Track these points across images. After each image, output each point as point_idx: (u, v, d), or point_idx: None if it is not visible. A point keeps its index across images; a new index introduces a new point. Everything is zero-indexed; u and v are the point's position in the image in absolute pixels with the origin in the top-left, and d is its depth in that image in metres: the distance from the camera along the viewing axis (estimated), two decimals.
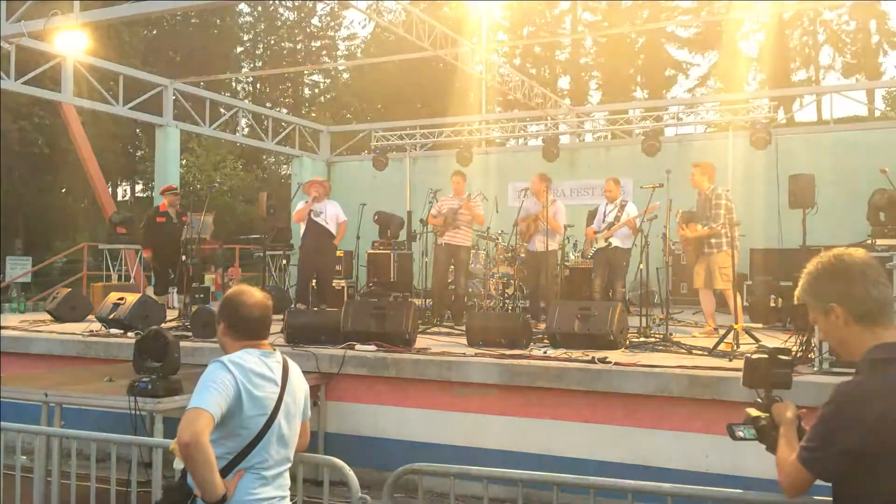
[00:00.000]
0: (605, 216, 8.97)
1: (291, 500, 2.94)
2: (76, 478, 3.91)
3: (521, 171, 13.95)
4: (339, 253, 12.52)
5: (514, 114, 20.39)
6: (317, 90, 42.69)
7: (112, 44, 26.38)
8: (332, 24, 41.82)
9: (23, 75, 12.09)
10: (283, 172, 34.09)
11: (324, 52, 41.59)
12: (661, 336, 7.32)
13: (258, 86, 41.04)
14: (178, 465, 2.77)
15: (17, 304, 12.65)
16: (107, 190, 16.05)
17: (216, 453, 2.61)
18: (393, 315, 6.98)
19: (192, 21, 36.91)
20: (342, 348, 6.75)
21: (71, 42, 10.96)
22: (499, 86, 13.81)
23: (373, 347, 6.74)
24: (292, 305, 9.76)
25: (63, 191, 31.15)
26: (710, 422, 5.23)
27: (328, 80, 41.50)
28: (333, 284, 11.06)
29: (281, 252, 13.56)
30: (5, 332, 8.11)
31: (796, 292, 2.27)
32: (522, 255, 9.88)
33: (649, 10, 32.86)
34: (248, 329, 2.85)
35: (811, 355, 5.53)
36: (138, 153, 32.97)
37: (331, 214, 9.44)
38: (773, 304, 9.15)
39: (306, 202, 9.46)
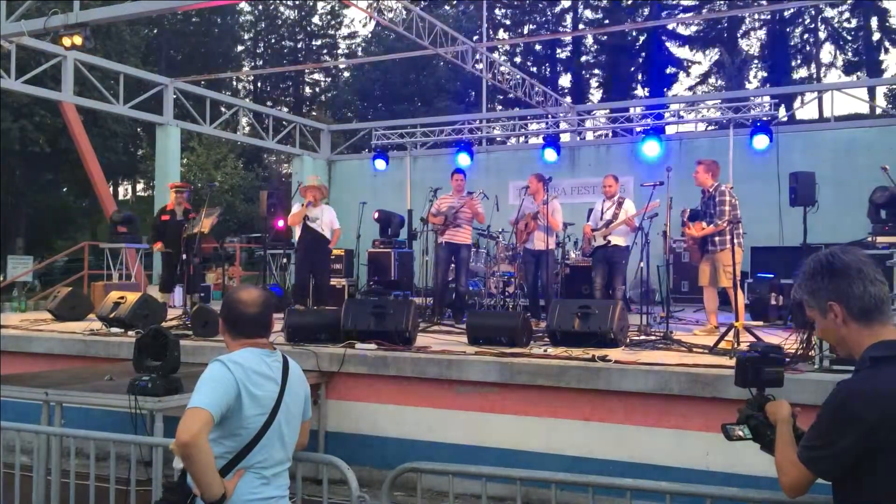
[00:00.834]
0: (602, 213, 8.95)
1: (291, 498, 2.94)
2: (76, 476, 3.91)
3: (521, 170, 13.95)
4: (338, 251, 12.54)
5: (514, 112, 20.40)
6: (317, 89, 42.74)
7: (113, 43, 26.42)
8: (333, 22, 41.88)
9: (23, 74, 12.10)
10: (284, 171, 34.12)
11: (324, 51, 41.66)
12: (662, 334, 7.31)
13: (259, 84, 41.09)
14: (178, 464, 2.77)
15: (18, 303, 12.67)
16: (107, 189, 16.05)
17: (216, 453, 2.61)
18: (393, 314, 6.98)
19: (193, 20, 36.95)
20: (342, 347, 6.75)
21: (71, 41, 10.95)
22: (499, 84, 13.80)
23: (373, 346, 6.74)
24: (293, 305, 9.78)
25: (64, 190, 31.19)
26: (710, 420, 5.22)
27: (329, 79, 41.55)
28: (333, 283, 11.07)
29: (281, 251, 13.57)
30: (6, 332, 8.11)
31: (792, 291, 2.27)
32: (520, 253, 9.88)
33: (650, 7, 32.85)
34: (246, 327, 2.84)
35: (812, 353, 5.53)
36: (139, 152, 32.99)
37: (326, 220, 9.47)
38: (773, 302, 9.15)
39: (302, 206, 9.47)
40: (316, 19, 41.76)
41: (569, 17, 36.73)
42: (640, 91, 35.21)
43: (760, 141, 12.83)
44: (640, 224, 8.45)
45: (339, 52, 41.83)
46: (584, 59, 37.05)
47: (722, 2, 33.29)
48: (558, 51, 37.09)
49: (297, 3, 40.55)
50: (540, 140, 15.57)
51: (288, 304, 9.64)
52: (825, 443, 2.05)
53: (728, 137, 13.64)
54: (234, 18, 39.17)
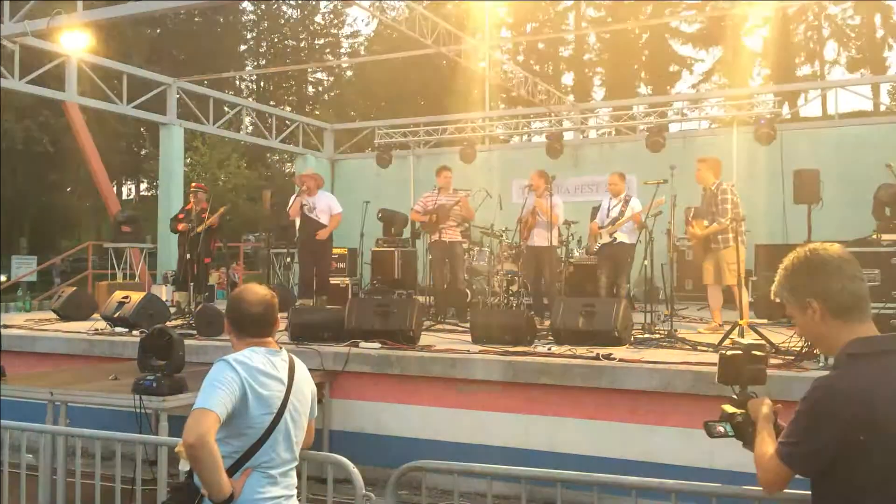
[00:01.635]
0: (608, 211, 8.95)
1: (297, 497, 2.94)
2: (81, 476, 3.92)
3: (524, 168, 13.91)
4: (342, 250, 12.54)
5: (517, 110, 20.36)
6: (320, 88, 42.73)
7: (116, 43, 26.43)
8: (336, 21, 41.85)
9: (27, 74, 12.11)
10: (287, 170, 34.13)
11: (327, 50, 41.63)
12: (666, 332, 7.31)
13: (262, 84, 41.08)
14: (185, 466, 2.77)
15: (22, 303, 12.69)
16: (111, 189, 16.05)
17: (222, 452, 2.61)
18: (397, 312, 6.98)
19: (196, 20, 36.96)
20: (346, 346, 6.75)
21: (75, 41, 10.98)
22: (502, 82, 13.79)
23: (377, 345, 6.74)
24: (297, 303, 9.77)
25: (68, 190, 31.24)
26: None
27: (332, 78, 41.54)
28: (337, 282, 11.07)
29: (285, 250, 13.57)
30: (11, 331, 8.13)
31: (773, 288, 2.28)
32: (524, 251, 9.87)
33: (653, 5, 32.78)
34: (250, 326, 2.85)
35: (816, 351, 5.51)
36: (143, 152, 33.05)
37: (322, 207, 9.44)
38: (777, 300, 9.11)
39: (298, 196, 9.47)
40: (318, 18, 41.76)
41: (571, 16, 36.67)
42: (643, 89, 35.15)
43: (764, 139, 12.80)
44: (645, 221, 8.44)
45: (342, 51, 41.81)
46: (586, 57, 36.98)
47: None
48: (561, 49, 37.04)
49: (299, 2, 40.54)
50: (543, 138, 15.56)
51: (291, 302, 9.66)
52: (802, 439, 2.06)
53: (732, 135, 13.62)
54: (236, 18, 39.18)
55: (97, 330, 8.11)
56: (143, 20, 28.48)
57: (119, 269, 12.71)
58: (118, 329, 8.07)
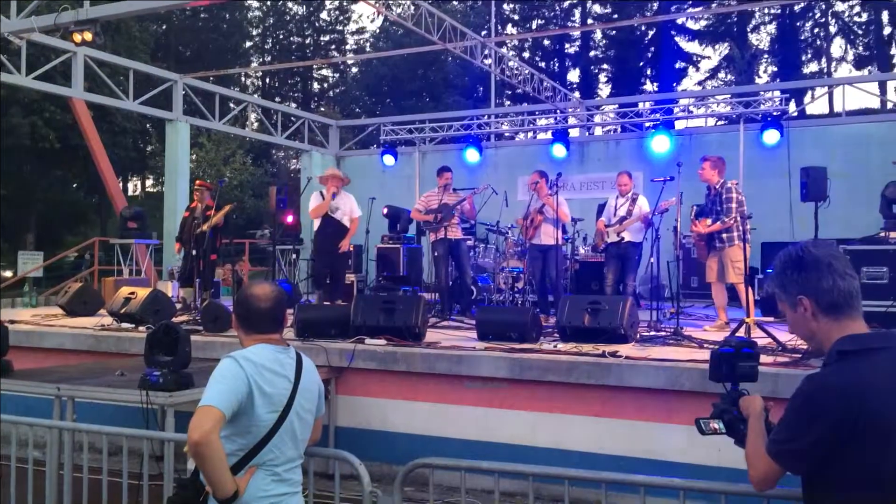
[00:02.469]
0: (616, 210, 8.93)
1: (302, 493, 2.94)
2: (88, 471, 3.93)
3: (530, 165, 13.89)
4: (350, 247, 12.55)
5: (523, 107, 20.34)
6: (326, 84, 42.77)
7: (122, 39, 26.48)
8: (341, 18, 41.88)
9: (33, 71, 12.13)
10: (293, 167, 34.19)
11: (332, 47, 41.66)
12: (672, 330, 7.29)
13: (267, 80, 41.15)
14: (193, 464, 2.77)
15: (29, 299, 12.73)
16: (117, 185, 16.09)
17: (228, 449, 2.61)
18: (402, 309, 6.98)
19: (202, 16, 37.04)
20: (352, 342, 6.76)
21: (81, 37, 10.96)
22: (508, 79, 13.75)
23: (382, 342, 6.74)
24: (304, 298, 9.78)
25: (74, 186, 31.32)
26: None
27: (337, 75, 41.56)
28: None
29: (290, 246, 13.58)
30: (18, 327, 8.16)
31: (765, 285, 2.29)
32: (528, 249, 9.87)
33: (658, 2, 32.69)
34: (257, 321, 2.84)
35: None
36: (148, 148, 33.12)
37: (345, 210, 9.29)
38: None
39: (323, 196, 9.23)
40: (324, 15, 41.79)
41: (577, 12, 36.62)
42: (649, 86, 35.08)
43: (771, 136, 12.76)
44: (651, 220, 8.43)
45: (348, 47, 41.84)
46: (592, 53, 36.93)
47: None
48: (567, 46, 36.98)
49: None
50: (548, 135, 15.53)
51: (297, 299, 9.67)
52: (792, 437, 2.05)
53: (738, 133, 13.57)
54: (242, 14, 39.23)
55: (103, 326, 8.14)
56: (149, 16, 28.53)
57: (125, 265, 12.73)
58: (124, 325, 8.10)
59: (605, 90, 36.57)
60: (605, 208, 9.41)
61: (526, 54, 35.79)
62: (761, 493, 2.39)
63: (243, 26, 40.18)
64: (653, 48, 35.41)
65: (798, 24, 33.66)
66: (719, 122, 17.66)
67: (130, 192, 37.15)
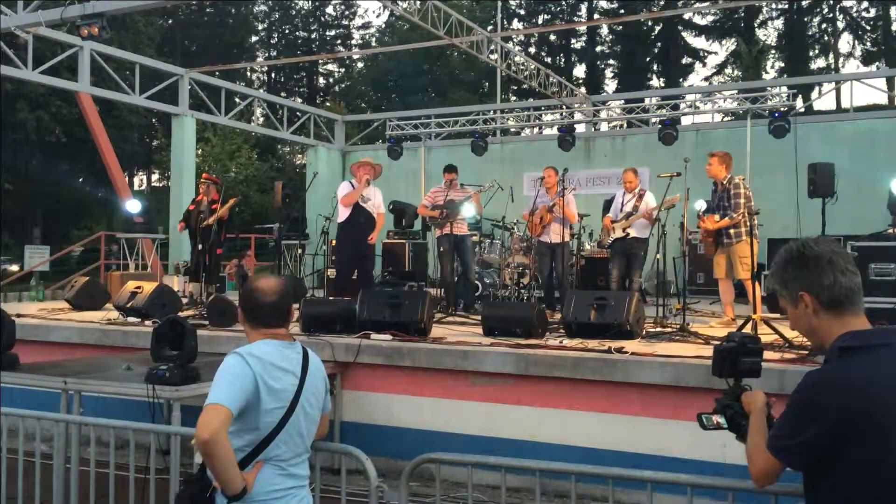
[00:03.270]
0: (622, 205, 8.91)
1: (309, 488, 2.94)
2: (95, 465, 3.94)
3: (536, 161, 13.89)
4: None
5: (529, 102, 20.31)
6: (331, 79, 42.76)
7: (128, 33, 26.52)
8: (347, 13, 41.87)
9: (40, 65, 12.15)
10: (298, 162, 34.19)
11: (338, 42, 41.63)
12: (678, 326, 7.28)
13: (273, 75, 41.17)
14: (200, 458, 2.77)
15: (35, 293, 12.77)
16: (124, 179, 16.10)
17: (235, 445, 2.61)
18: (408, 304, 6.98)
19: (208, 10, 37.04)
20: (357, 337, 6.76)
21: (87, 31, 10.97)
22: (514, 74, 13.73)
23: (388, 337, 6.74)
24: (309, 293, 9.77)
25: (80, 180, 31.40)
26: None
27: (342, 70, 41.56)
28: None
29: (296, 241, 13.59)
30: (24, 321, 8.18)
31: (766, 281, 2.29)
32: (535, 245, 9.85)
33: None
34: (264, 316, 2.83)
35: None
36: (154, 142, 33.17)
37: (377, 203, 9.04)
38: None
39: (353, 185, 8.97)
40: (330, 9, 41.77)
41: (584, 7, 36.51)
42: (655, 81, 34.98)
43: (778, 132, 12.71)
44: (657, 216, 8.40)
45: (353, 42, 41.80)
46: (599, 49, 36.82)
47: None
48: (573, 41, 36.89)
49: None
50: (555, 131, 15.49)
51: (302, 293, 9.66)
52: (792, 433, 2.05)
53: (745, 128, 13.52)
54: (248, 9, 39.23)
55: (110, 320, 8.15)
56: (155, 11, 28.56)
57: (131, 259, 12.77)
58: (131, 319, 8.12)
59: (611, 86, 36.49)
60: (611, 204, 9.40)
61: (532, 49, 35.74)
62: (764, 490, 2.39)
63: (249, 21, 40.19)
64: (659, 43, 35.32)
65: (806, 19, 33.52)
66: (726, 118, 17.58)
67: (136, 187, 37.23)
